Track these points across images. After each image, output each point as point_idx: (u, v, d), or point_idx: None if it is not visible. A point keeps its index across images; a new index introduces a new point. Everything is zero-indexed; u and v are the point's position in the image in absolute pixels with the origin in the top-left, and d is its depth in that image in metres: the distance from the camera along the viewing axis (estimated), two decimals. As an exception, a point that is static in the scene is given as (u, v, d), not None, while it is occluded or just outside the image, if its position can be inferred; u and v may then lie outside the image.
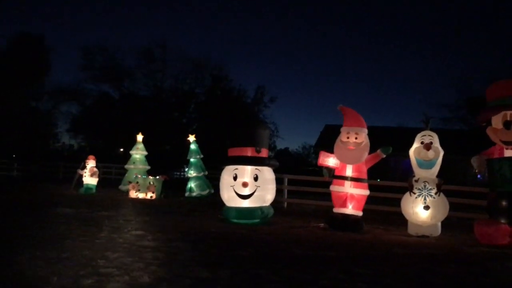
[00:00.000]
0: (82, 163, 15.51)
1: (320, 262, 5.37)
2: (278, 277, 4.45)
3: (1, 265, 4.47)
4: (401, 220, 9.83)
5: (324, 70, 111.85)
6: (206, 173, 15.43)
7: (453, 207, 8.80)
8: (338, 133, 8.96)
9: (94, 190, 15.05)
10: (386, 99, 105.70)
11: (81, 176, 15.31)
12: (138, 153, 16.77)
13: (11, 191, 14.26)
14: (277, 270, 4.73)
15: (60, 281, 3.92)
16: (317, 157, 9.32)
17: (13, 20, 71.86)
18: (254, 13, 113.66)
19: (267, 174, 9.15)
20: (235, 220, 8.91)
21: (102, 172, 18.72)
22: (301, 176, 13.19)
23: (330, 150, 8.96)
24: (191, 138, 15.47)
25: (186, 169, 38.32)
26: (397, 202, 10.69)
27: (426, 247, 6.95)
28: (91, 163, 15.16)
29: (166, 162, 31.88)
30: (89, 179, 14.97)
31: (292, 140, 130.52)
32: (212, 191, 15.42)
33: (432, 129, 8.57)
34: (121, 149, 37.42)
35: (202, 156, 15.35)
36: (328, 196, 12.11)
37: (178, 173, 35.17)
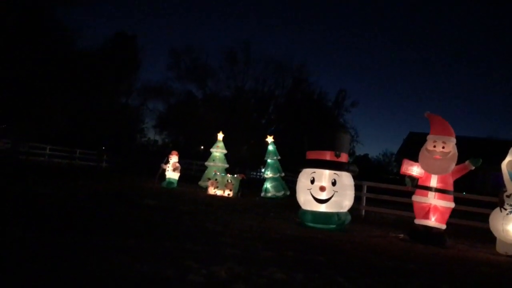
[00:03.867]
0: (166, 158, 16.23)
1: (400, 274, 5.16)
2: (353, 285, 4.34)
3: (88, 253, 4.78)
4: (489, 237, 9.21)
5: (409, 75, 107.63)
6: (283, 174, 15.50)
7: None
8: (423, 141, 8.59)
9: (175, 185, 15.70)
10: (476, 108, 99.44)
11: (164, 170, 16.03)
12: (218, 151, 17.24)
13: (101, 181, 15.26)
14: (354, 278, 4.61)
15: (141, 269, 4.11)
16: (399, 165, 9.03)
17: (111, 20, 77.06)
18: (338, 16, 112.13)
19: (346, 179, 8.97)
20: (311, 224, 8.84)
21: (183, 167, 19.47)
22: (381, 184, 12.79)
23: (414, 159, 8.60)
24: (270, 139, 15.63)
25: (263, 170, 38.77)
26: (485, 218, 10.06)
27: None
28: (174, 158, 15.82)
29: (243, 161, 32.50)
30: (172, 173, 15.65)
31: (372, 147, 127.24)
32: (288, 192, 15.47)
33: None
34: (202, 147, 38.67)
35: (279, 157, 15.43)
36: (409, 206, 11.68)
37: (254, 173, 35.71)
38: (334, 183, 8.74)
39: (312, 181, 8.86)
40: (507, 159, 7.87)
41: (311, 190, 8.87)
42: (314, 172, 8.91)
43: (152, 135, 45.40)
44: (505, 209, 7.62)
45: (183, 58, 36.89)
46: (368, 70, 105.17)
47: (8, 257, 4.15)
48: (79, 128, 26.30)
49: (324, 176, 8.81)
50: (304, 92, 37.96)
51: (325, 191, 8.70)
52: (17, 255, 4.27)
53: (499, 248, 7.78)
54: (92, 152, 28.03)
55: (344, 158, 9.04)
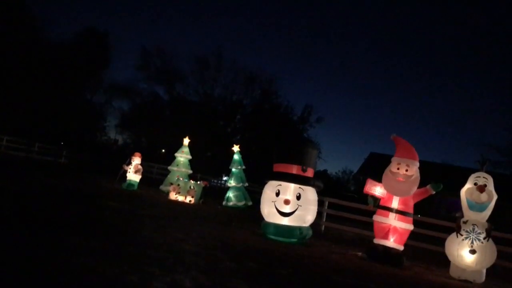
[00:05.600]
0: (128, 159, 15.89)
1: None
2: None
3: (48, 252, 4.60)
4: (443, 261, 9.49)
5: (373, 98, 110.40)
6: (246, 184, 15.47)
7: (499, 255, 8.39)
8: (383, 162, 8.79)
9: (136, 187, 15.38)
10: (433, 134, 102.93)
11: (125, 171, 15.68)
12: (183, 156, 17.04)
13: (59, 178, 14.77)
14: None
15: (105, 273, 3.99)
16: (357, 183, 9.28)
17: (81, 15, 75.25)
18: (311, 33, 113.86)
19: (310, 194, 9.05)
20: (273, 237, 8.84)
21: (144, 170, 19.12)
22: (343, 201, 12.98)
23: (374, 178, 8.79)
24: (236, 148, 15.59)
25: (224, 178, 38.52)
26: (439, 241, 10.37)
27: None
28: (136, 160, 15.51)
29: (206, 168, 32.24)
30: (133, 175, 15.32)
31: (331, 164, 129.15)
32: (250, 203, 15.45)
33: (487, 172, 8.25)
34: (163, 150, 38.18)
35: (244, 167, 15.41)
36: (367, 225, 11.91)
37: (215, 181, 35.51)
38: (298, 197, 8.79)
39: (277, 194, 8.88)
40: (466, 186, 8.16)
41: (275, 202, 8.88)
42: (280, 185, 8.93)
43: (113, 134, 44.50)
44: (461, 235, 7.87)
45: (154, 59, 36.46)
46: (335, 88, 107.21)
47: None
48: (40, 121, 25.39)
49: (289, 189, 8.85)
50: (271, 104, 38.22)
51: (289, 204, 8.73)
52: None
53: (453, 272, 8.02)
54: (51, 147, 27.09)
55: (310, 173, 9.12)
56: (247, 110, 39.46)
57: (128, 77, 61.45)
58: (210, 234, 8.01)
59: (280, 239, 8.77)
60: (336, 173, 64.73)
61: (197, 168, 20.35)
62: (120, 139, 46.98)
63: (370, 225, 11.67)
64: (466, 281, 7.73)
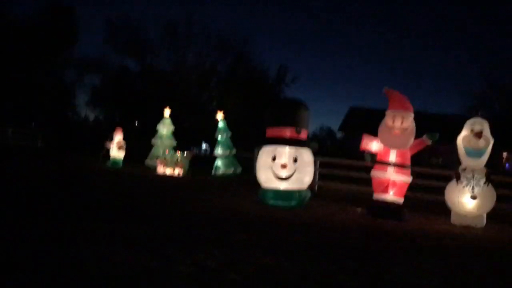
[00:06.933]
0: (110, 135, 15.41)
1: (380, 254, 5.17)
2: (342, 269, 4.25)
3: (58, 243, 4.34)
4: (439, 209, 9.60)
5: (345, 51, 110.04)
6: (234, 151, 15.24)
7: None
8: (363, 115, 8.69)
9: (120, 164, 15.00)
10: (412, 84, 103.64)
11: (108, 149, 15.25)
12: (165, 128, 16.58)
13: (42, 163, 14.27)
14: (341, 261, 4.52)
15: (122, 259, 3.77)
16: (344, 138, 9.07)
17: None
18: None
19: (306, 156, 8.91)
20: (272, 202, 8.73)
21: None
22: (333, 159, 12.95)
23: (356, 132, 8.68)
24: (220, 115, 15.24)
25: (203, 146, 38.05)
26: (432, 190, 10.49)
27: (477, 239, 6.72)
28: (118, 136, 15.05)
29: (186, 138, 31.80)
30: (116, 152, 14.90)
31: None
32: (239, 170, 15.28)
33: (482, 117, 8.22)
34: (136, 122, 37.36)
35: (230, 134, 15.13)
36: (359, 180, 11.95)
37: (197, 150, 35.23)
38: (295, 160, 8.65)
39: (273, 159, 8.72)
40: (462, 133, 8.14)
41: (272, 167, 8.72)
42: (275, 149, 8.76)
43: (83, 111, 43.22)
44: (461, 182, 7.90)
45: (120, 30, 35.08)
46: (307, 46, 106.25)
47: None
48: (9, 103, 24.26)
49: (285, 153, 8.69)
50: (246, 68, 37.57)
51: (286, 168, 8.60)
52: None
53: (454, 220, 8.11)
54: (25, 130, 26.09)
55: (304, 134, 8.96)
56: (221, 76, 38.75)
57: (97, 51, 58.98)
58: (209, 206, 7.85)
59: (280, 203, 8.67)
60: (313, 131, 64.89)
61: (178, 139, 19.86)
62: (91, 116, 45.79)
63: (361, 181, 11.77)
64: (468, 226, 7.82)
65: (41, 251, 3.91)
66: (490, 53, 74.66)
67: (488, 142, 7.91)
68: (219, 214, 6.99)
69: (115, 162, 14.92)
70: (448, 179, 8.50)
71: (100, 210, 6.38)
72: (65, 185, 8.83)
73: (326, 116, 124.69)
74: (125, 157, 15.53)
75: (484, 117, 8.22)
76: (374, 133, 8.73)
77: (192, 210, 7.14)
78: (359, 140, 8.86)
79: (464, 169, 7.98)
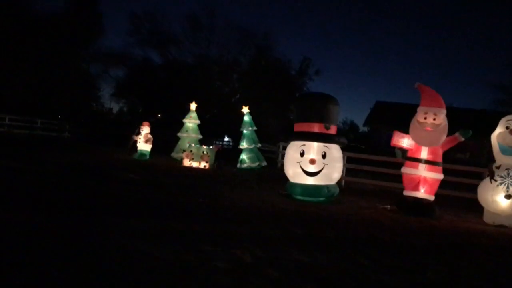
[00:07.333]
0: (137, 129, 15.61)
1: (416, 250, 5.11)
2: (379, 265, 4.22)
3: (98, 236, 4.41)
4: (468, 206, 9.45)
5: (371, 48, 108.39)
6: (259, 145, 15.26)
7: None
8: (389, 110, 8.59)
9: (147, 156, 15.17)
10: (439, 79, 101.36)
11: (135, 141, 15.44)
12: (192, 121, 16.69)
13: (71, 154, 14.52)
14: (376, 258, 4.49)
15: (160, 256, 3.81)
16: (369, 132, 8.96)
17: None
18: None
19: (335, 152, 8.86)
20: (300, 197, 8.72)
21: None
22: (361, 155, 12.84)
23: (382, 126, 8.59)
24: (245, 109, 15.25)
25: (226, 139, 38.12)
26: (463, 187, 10.31)
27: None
28: (145, 130, 15.22)
29: (207, 131, 31.94)
30: (144, 145, 15.08)
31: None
32: (264, 163, 15.30)
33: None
34: (159, 115, 37.65)
35: (255, 128, 15.14)
36: (386, 176, 11.83)
37: (219, 143, 35.34)
38: (324, 156, 8.60)
39: (302, 154, 8.68)
40: (497, 130, 7.96)
41: (300, 163, 8.70)
42: (304, 144, 8.72)
43: (108, 103, 43.80)
44: (495, 180, 7.73)
45: (144, 23, 35.37)
46: (331, 39, 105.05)
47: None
48: (38, 96, 24.74)
49: (314, 148, 8.65)
50: (268, 60, 37.41)
51: (315, 164, 8.56)
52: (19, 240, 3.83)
53: (487, 218, 7.95)
54: (53, 122, 26.60)
55: (333, 130, 8.90)
56: (243, 68, 38.69)
57: (121, 44, 59.48)
58: (240, 199, 7.87)
59: (308, 198, 8.65)
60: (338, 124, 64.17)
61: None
62: (115, 107, 46.36)
63: (388, 176, 11.64)
64: (501, 225, 7.66)
65: (80, 244, 3.99)
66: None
67: (524, 140, 7.70)
68: (248, 209, 7.00)
69: (142, 154, 15.09)
70: (477, 176, 8.35)
71: (134, 204, 6.45)
72: (97, 178, 8.96)
73: (349, 110, 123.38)
74: (151, 149, 15.70)
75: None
76: (400, 127, 8.62)
77: (223, 204, 7.17)
78: (387, 136, 8.77)
79: (498, 167, 7.81)
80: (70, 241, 4.01)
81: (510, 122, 7.82)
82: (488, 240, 6.28)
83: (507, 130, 7.75)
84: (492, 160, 8.05)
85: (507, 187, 7.60)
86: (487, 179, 7.92)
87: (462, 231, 6.84)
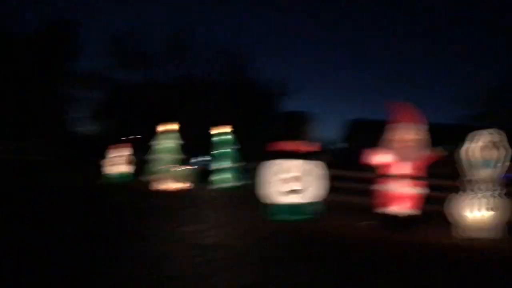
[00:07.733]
0: (106, 152, 15.44)
1: (408, 267, 5.11)
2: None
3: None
4: (442, 221, 9.46)
5: (345, 64, 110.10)
6: (241, 164, 15.26)
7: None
8: (368, 127, 8.65)
9: (128, 178, 14.98)
10: (414, 95, 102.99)
11: (114, 164, 15.25)
12: (171, 141, 16.50)
13: (58, 176, 14.30)
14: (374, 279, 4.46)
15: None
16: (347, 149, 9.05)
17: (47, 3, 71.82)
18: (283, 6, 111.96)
19: (317, 169, 8.87)
20: (283, 216, 8.63)
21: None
22: (338, 171, 12.82)
23: (362, 146, 8.66)
24: (226, 128, 15.26)
25: (206, 158, 37.87)
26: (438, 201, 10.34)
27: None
28: (126, 150, 15.05)
29: (188, 151, 31.74)
30: (124, 167, 14.90)
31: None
32: (246, 182, 15.24)
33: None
34: (139, 136, 37.34)
35: (238, 146, 15.15)
36: (361, 192, 11.80)
37: (199, 161, 35.18)
38: (305, 173, 8.61)
39: (282, 172, 8.66)
40: (465, 146, 8.07)
41: (281, 181, 8.66)
42: (285, 162, 8.71)
43: (85, 125, 43.28)
44: (474, 193, 7.81)
45: (124, 44, 35.36)
46: (308, 60, 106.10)
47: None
48: (13, 118, 24.24)
49: (296, 166, 8.64)
50: (248, 79, 37.70)
51: (297, 181, 8.55)
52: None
53: (461, 232, 7.93)
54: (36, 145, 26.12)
55: (316, 147, 8.95)
56: (223, 87, 38.85)
57: (100, 65, 59.18)
58: (223, 221, 7.79)
59: (291, 217, 8.58)
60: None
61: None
62: (88, 130, 45.80)
63: (363, 193, 11.59)
64: (478, 239, 7.70)
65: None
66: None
67: (504, 152, 7.86)
68: (236, 230, 6.95)
69: (123, 176, 14.88)
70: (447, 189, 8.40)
71: (110, 231, 6.33)
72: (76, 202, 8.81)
73: (327, 126, 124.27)
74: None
75: (499, 128, 8.19)
76: (379, 144, 8.69)
77: (211, 226, 7.09)
78: (364, 152, 8.79)
79: (470, 181, 7.89)
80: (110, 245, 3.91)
81: (490, 136, 7.95)
82: (469, 253, 6.36)
83: (488, 144, 7.87)
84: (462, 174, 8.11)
85: (485, 200, 7.69)
86: (461, 192, 7.95)
87: (444, 245, 6.91)
